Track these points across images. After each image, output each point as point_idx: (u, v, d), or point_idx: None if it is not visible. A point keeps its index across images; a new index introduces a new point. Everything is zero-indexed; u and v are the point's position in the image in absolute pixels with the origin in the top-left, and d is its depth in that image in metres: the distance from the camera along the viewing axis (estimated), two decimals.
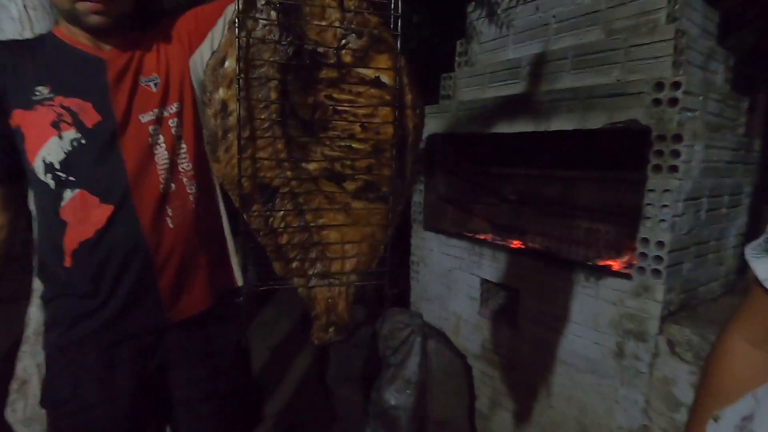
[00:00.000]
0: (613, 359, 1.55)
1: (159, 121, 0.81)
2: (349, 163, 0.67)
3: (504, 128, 1.92)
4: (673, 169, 1.39)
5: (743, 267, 1.75)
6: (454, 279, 2.23)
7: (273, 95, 0.63)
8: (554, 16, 1.84)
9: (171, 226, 0.83)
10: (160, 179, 0.82)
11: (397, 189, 0.70)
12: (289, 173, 0.66)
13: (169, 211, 0.83)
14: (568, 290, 1.70)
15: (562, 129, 1.68)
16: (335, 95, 0.65)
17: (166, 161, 0.82)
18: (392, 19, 0.64)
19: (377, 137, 0.66)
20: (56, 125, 0.75)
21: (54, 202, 0.77)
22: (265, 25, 0.61)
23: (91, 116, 0.76)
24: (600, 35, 1.69)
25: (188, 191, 0.85)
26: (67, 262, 0.80)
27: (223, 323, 0.96)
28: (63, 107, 0.76)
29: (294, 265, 0.70)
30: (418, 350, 1.95)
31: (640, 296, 1.48)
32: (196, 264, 0.89)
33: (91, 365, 0.84)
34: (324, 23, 0.62)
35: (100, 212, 0.77)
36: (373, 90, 0.65)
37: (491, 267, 2.02)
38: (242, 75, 0.61)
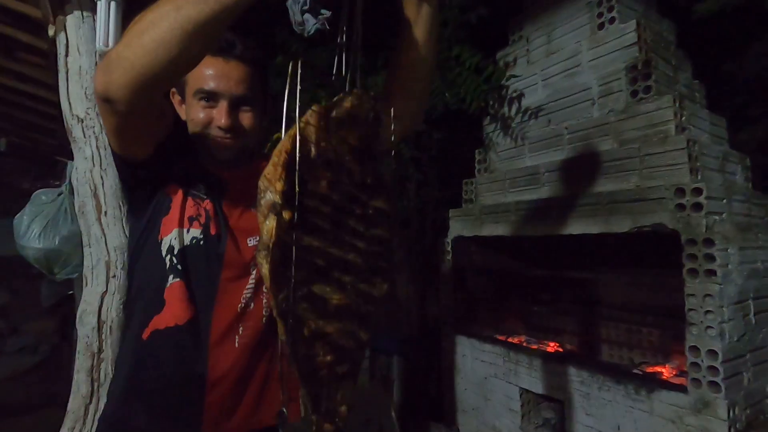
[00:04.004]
0: None
1: None
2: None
3: (529, 231, 1.95)
4: (711, 273, 1.36)
5: None
6: (490, 388, 2.09)
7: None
8: (566, 128, 1.97)
9: (236, 345, 0.85)
10: (242, 298, 0.86)
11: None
12: None
13: (240, 329, 0.86)
14: (618, 403, 1.57)
15: (586, 232, 1.70)
16: None
17: (253, 281, 0.87)
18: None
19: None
20: (191, 220, 0.85)
21: (162, 281, 0.83)
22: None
23: (217, 227, 0.86)
24: (613, 144, 1.79)
25: (263, 313, 0.88)
26: (145, 335, 0.83)
27: None
28: (205, 210, 0.85)
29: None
30: None
31: (701, 413, 1.35)
32: (249, 389, 0.88)
33: None
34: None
35: (186, 308, 0.82)
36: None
37: (530, 375, 1.90)
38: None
